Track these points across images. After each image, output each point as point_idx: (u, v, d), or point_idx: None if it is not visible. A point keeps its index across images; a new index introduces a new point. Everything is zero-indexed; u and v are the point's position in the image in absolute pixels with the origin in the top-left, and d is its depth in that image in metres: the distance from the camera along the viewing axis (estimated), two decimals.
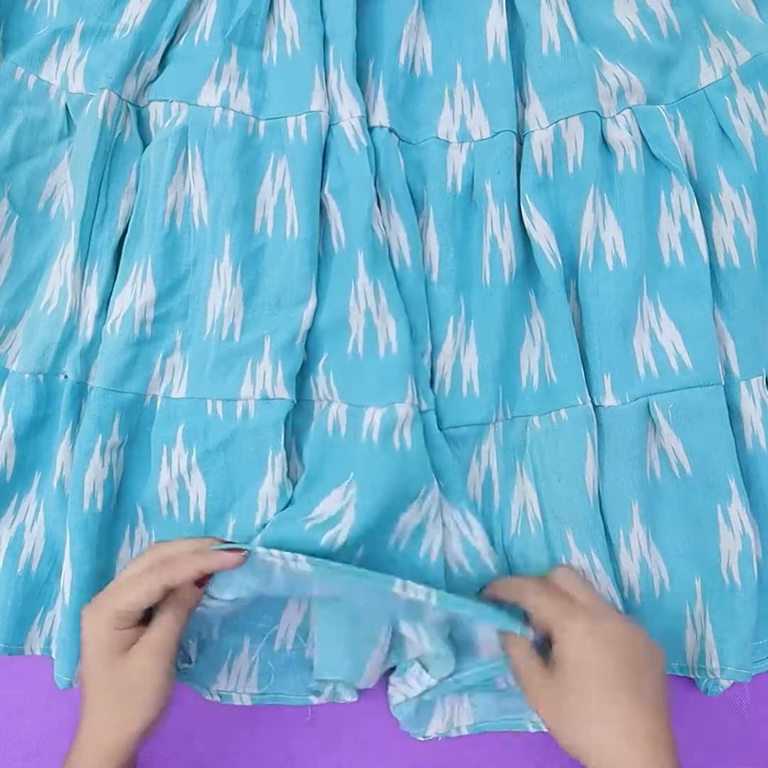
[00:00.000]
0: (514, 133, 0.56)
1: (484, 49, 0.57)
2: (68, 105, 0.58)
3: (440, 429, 0.54)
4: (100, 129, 0.55)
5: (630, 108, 0.56)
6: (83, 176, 0.55)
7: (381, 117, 0.57)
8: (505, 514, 0.55)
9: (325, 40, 0.57)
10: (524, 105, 0.58)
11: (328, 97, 0.56)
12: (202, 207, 0.55)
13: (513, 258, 0.55)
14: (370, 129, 0.56)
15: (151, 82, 0.58)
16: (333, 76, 0.56)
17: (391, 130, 0.56)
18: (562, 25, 0.57)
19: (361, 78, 0.57)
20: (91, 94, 0.57)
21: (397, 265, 0.55)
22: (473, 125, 0.57)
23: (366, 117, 0.56)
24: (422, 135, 0.58)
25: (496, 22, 0.57)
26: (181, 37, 0.58)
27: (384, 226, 0.55)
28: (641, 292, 0.54)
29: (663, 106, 0.57)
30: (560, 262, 0.54)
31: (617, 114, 0.56)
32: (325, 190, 0.55)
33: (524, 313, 0.56)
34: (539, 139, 0.56)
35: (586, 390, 0.54)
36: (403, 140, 0.57)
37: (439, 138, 0.57)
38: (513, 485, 0.55)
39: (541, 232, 0.55)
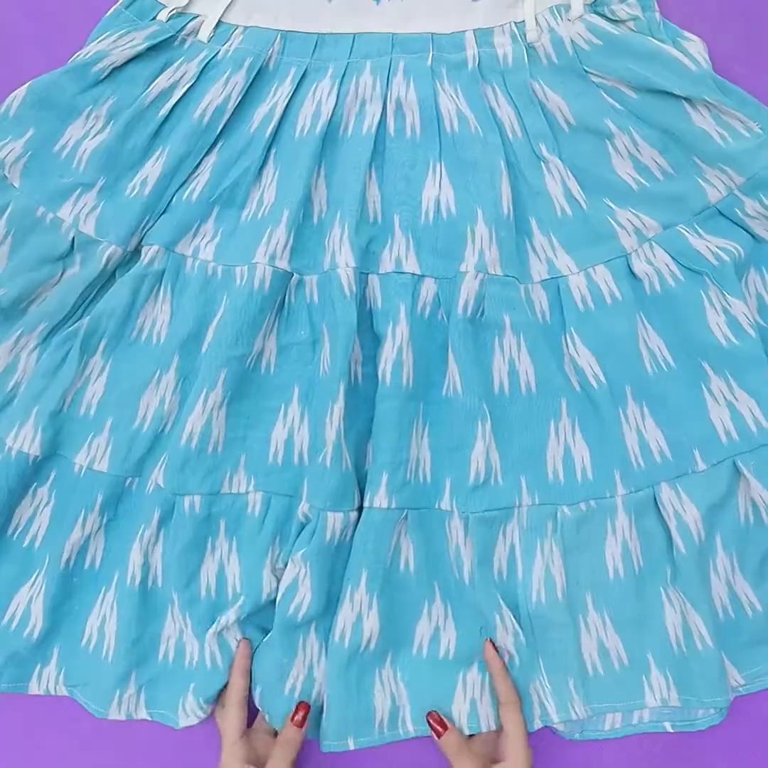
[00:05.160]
0: (519, 281, 0.64)
1: (500, 204, 0.64)
2: (75, 239, 0.66)
3: (475, 512, 0.63)
4: (99, 272, 0.65)
5: (649, 240, 0.64)
6: (71, 296, 0.66)
7: (413, 266, 0.65)
8: (527, 583, 0.63)
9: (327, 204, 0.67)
10: (545, 252, 0.65)
11: (282, 253, 0.64)
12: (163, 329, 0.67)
13: (529, 377, 0.64)
14: (400, 273, 0.65)
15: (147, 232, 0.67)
16: (336, 232, 0.64)
17: (422, 276, 0.64)
18: (568, 194, 0.65)
19: (388, 230, 0.66)
20: (99, 239, 0.66)
21: (379, 382, 0.64)
22: (489, 261, 0.64)
23: (400, 264, 0.65)
24: (450, 271, 0.65)
25: (507, 188, 0.64)
26: (176, 192, 0.67)
27: (374, 356, 0.65)
28: (706, 375, 0.63)
29: (681, 226, 0.64)
30: (603, 380, 0.64)
31: (638, 247, 0.64)
32: (324, 324, 0.64)
33: (551, 418, 0.65)
34: (576, 282, 0.65)
35: (618, 487, 0.63)
36: (437, 277, 0.65)
37: (461, 271, 0.64)
38: (533, 561, 0.63)
39: (583, 358, 0.64)
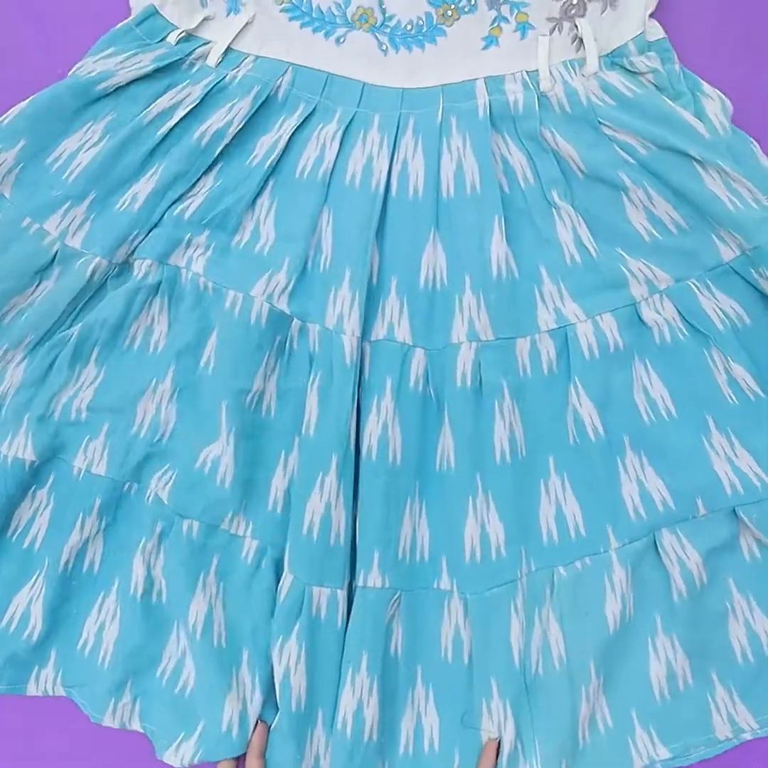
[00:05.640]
0: (513, 338, 0.64)
1: (488, 268, 0.63)
2: (59, 252, 0.64)
3: (475, 593, 0.63)
4: (84, 286, 0.64)
5: (660, 292, 0.64)
6: (58, 308, 0.64)
7: (404, 334, 0.64)
8: (527, 654, 0.62)
9: (330, 259, 0.64)
10: (553, 300, 0.64)
11: (280, 296, 0.63)
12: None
13: (522, 440, 0.63)
14: (391, 339, 0.64)
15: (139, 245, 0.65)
16: (345, 293, 0.63)
17: (413, 347, 0.63)
18: (578, 241, 0.64)
19: (384, 293, 0.64)
20: (84, 251, 0.64)
21: (363, 457, 0.63)
22: (480, 328, 0.63)
23: (392, 331, 0.64)
24: (440, 343, 0.64)
25: (498, 246, 0.63)
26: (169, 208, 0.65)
27: (369, 429, 0.63)
28: (708, 429, 0.63)
29: (693, 280, 0.64)
30: (601, 432, 0.63)
31: (649, 297, 0.64)
32: (314, 385, 0.62)
33: (541, 478, 0.64)
34: (583, 330, 0.64)
35: (611, 541, 0.63)
36: (427, 349, 0.64)
37: (452, 343, 0.63)
38: (532, 630, 0.62)
39: (585, 409, 0.63)
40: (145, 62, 0.64)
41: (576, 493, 0.64)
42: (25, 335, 0.65)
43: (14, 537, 0.66)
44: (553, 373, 0.64)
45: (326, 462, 0.61)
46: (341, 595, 0.62)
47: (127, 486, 0.66)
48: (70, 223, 0.64)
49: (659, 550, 0.62)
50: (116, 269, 0.65)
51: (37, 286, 0.65)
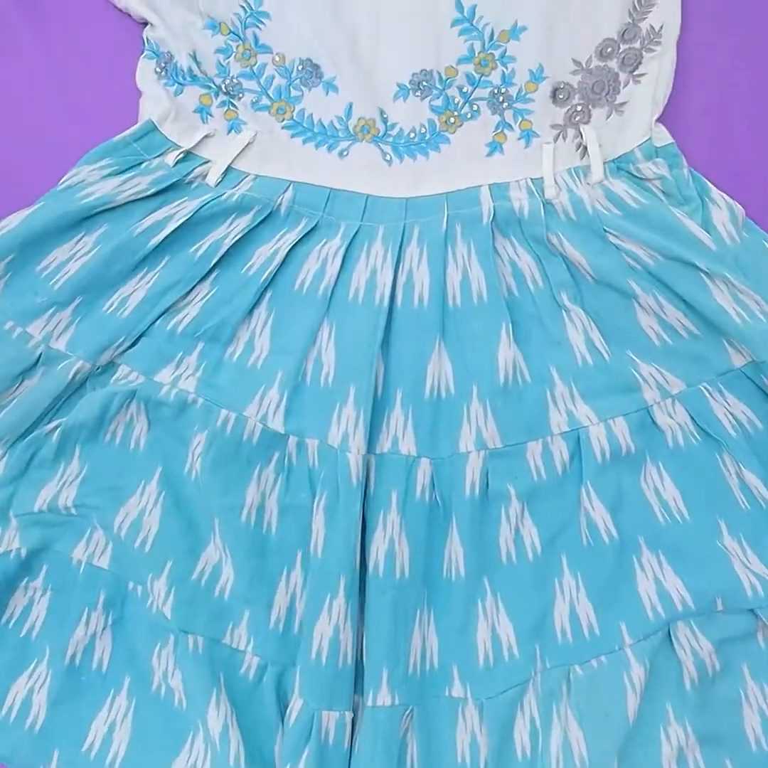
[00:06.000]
0: (523, 443, 0.63)
1: (496, 375, 0.63)
2: (43, 354, 0.63)
3: (491, 697, 0.62)
4: (66, 386, 0.63)
5: (672, 397, 0.63)
6: (37, 410, 0.63)
7: (409, 445, 0.63)
8: (546, 753, 0.61)
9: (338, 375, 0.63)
10: (565, 402, 0.64)
11: (274, 414, 0.63)
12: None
13: (535, 541, 0.63)
14: (396, 452, 0.63)
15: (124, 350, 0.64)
16: (352, 413, 0.62)
17: (418, 458, 0.63)
18: (590, 343, 0.64)
19: (389, 406, 0.64)
20: (68, 353, 0.63)
21: (369, 573, 0.62)
22: (488, 437, 0.63)
23: (396, 443, 0.63)
24: (446, 451, 0.63)
25: (506, 353, 0.63)
26: (160, 317, 0.64)
27: (375, 545, 0.62)
28: (720, 533, 0.63)
29: (704, 385, 0.63)
30: (615, 535, 0.63)
31: (661, 401, 0.63)
32: (319, 505, 0.62)
33: (555, 576, 0.63)
34: (596, 433, 0.63)
35: (625, 638, 0.62)
36: (432, 458, 0.63)
37: (460, 452, 0.63)
38: (551, 729, 0.61)
39: (597, 513, 0.63)
40: (144, 185, 0.63)
41: (589, 592, 0.63)
42: (3, 434, 0.64)
43: (10, 624, 0.65)
44: (567, 474, 0.64)
45: (335, 584, 0.61)
46: (349, 717, 0.61)
47: (131, 586, 0.65)
48: (55, 327, 0.63)
49: (673, 641, 0.62)
50: (99, 369, 0.64)
51: (19, 386, 0.64)
